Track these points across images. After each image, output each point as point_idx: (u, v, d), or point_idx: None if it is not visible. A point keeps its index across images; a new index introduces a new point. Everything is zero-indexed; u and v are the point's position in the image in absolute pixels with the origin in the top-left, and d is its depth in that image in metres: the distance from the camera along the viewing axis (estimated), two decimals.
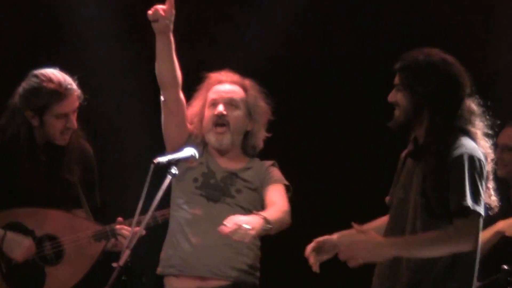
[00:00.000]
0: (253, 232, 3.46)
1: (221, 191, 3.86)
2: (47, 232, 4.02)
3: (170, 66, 3.79)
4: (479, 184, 3.37)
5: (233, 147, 3.93)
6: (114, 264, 3.19)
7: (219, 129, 3.86)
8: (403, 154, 3.65)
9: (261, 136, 3.99)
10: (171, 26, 3.70)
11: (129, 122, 5.42)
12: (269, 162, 4.01)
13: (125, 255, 3.20)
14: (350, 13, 5.54)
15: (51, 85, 3.97)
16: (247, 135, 3.97)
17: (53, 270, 4.01)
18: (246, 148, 3.99)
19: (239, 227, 3.41)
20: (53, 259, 4.01)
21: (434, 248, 3.30)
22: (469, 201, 3.28)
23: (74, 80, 4.06)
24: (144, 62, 4.82)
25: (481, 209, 3.33)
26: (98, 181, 4.26)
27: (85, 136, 4.27)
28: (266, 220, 3.56)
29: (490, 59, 5.19)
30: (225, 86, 3.93)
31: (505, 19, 5.20)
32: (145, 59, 4.55)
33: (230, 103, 3.88)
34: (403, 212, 3.48)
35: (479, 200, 3.33)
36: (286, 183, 3.93)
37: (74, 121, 4.04)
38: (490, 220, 4.15)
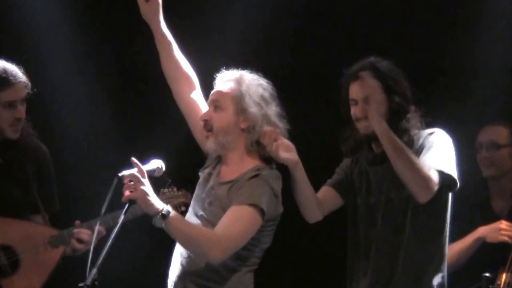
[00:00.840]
0: (134, 195, 3.22)
1: (201, 205, 3.63)
2: (0, 243, 3.84)
3: (165, 59, 3.76)
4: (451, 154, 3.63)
5: (228, 151, 3.62)
6: (81, 284, 3.00)
7: (206, 135, 3.62)
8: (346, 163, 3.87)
9: (262, 128, 3.58)
10: (158, 17, 3.72)
11: (87, 124, 5.24)
12: (251, 174, 3.58)
13: (92, 274, 3.00)
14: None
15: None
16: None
17: (9, 282, 3.81)
18: (251, 147, 3.62)
19: (135, 181, 3.22)
20: (9, 270, 3.83)
21: (408, 161, 3.49)
22: (442, 167, 3.54)
23: (20, 69, 3.89)
24: (105, 57, 4.73)
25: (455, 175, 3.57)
26: (55, 183, 4.10)
27: (38, 135, 4.08)
28: (165, 214, 3.27)
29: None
30: (216, 87, 3.70)
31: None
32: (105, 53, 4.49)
33: (215, 105, 3.62)
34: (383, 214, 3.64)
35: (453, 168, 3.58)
36: (254, 202, 3.45)
37: (23, 111, 3.85)
38: (471, 225, 4.27)
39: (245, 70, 3.74)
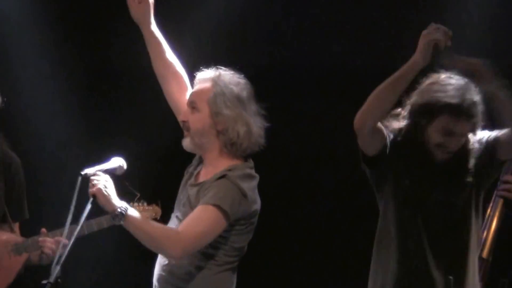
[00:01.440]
0: (93, 190, 3.35)
1: (178, 206, 3.71)
2: None
3: (155, 59, 3.83)
4: None
5: (204, 152, 3.67)
6: (44, 281, 3.14)
7: (185, 134, 3.68)
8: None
9: (237, 129, 3.60)
10: (149, 18, 3.81)
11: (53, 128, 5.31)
12: (219, 175, 3.62)
13: (55, 271, 3.16)
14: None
15: None
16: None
17: None
18: (225, 149, 3.63)
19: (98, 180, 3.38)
20: None
21: None
22: None
23: None
24: (73, 60, 4.70)
25: None
26: (25, 191, 4.20)
27: (9, 144, 4.12)
28: (122, 212, 3.38)
29: None
30: (194, 87, 3.74)
31: None
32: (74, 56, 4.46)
33: (192, 106, 3.65)
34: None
35: None
36: (217, 203, 3.53)
37: None
38: None
39: (224, 69, 3.73)
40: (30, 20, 5.33)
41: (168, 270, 3.65)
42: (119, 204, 3.41)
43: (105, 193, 3.38)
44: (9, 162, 4.23)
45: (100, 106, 5.47)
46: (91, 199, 3.36)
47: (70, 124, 5.35)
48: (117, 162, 3.53)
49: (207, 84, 3.62)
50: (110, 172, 3.50)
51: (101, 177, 3.41)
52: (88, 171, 3.39)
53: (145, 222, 3.56)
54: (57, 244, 3.88)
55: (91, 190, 3.38)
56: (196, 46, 5.19)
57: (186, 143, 3.64)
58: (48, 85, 5.22)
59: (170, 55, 3.87)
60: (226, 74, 3.69)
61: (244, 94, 3.66)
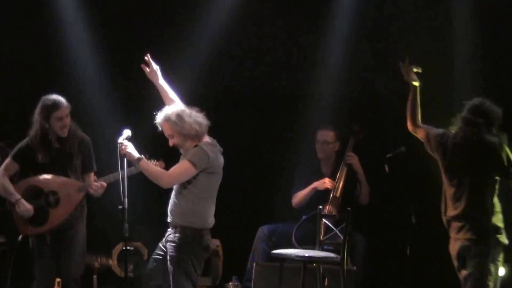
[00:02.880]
0: (122, 147, 5.76)
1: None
2: (51, 189, 6.43)
3: (164, 98, 6.12)
4: None
5: (185, 147, 5.86)
6: (120, 206, 5.76)
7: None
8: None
9: (188, 130, 5.83)
10: (157, 78, 6.10)
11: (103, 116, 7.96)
12: (193, 147, 5.90)
13: (125, 202, 5.76)
14: None
15: (49, 102, 6.37)
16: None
17: (53, 210, 6.41)
18: (191, 141, 5.91)
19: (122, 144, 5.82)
20: (54, 204, 6.41)
21: None
22: None
23: (63, 97, 6.46)
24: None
25: None
26: (93, 156, 6.66)
27: (80, 129, 6.64)
28: (138, 160, 5.80)
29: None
30: (162, 128, 6.04)
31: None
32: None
33: (168, 137, 5.89)
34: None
35: None
36: (189, 158, 5.77)
37: (67, 121, 6.38)
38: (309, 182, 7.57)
39: (165, 108, 5.93)
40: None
41: (171, 203, 5.92)
42: (137, 155, 5.83)
43: (129, 151, 5.82)
44: (83, 141, 6.58)
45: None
46: (124, 156, 5.84)
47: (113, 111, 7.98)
48: (128, 132, 5.91)
49: (165, 123, 5.86)
50: (128, 139, 5.91)
51: (126, 142, 5.84)
52: (119, 140, 5.83)
53: (150, 166, 5.93)
54: (100, 187, 6.43)
55: (122, 151, 5.81)
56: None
57: (181, 150, 5.90)
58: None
59: (172, 95, 6.16)
60: (167, 110, 5.89)
61: (179, 112, 5.83)
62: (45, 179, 6.49)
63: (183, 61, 7.91)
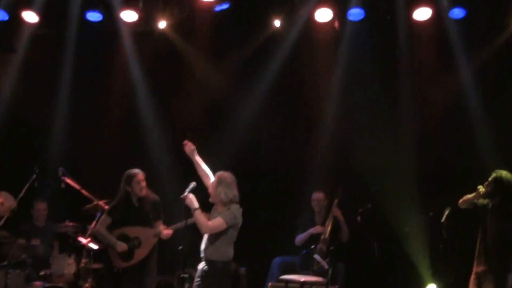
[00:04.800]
0: (187, 201, 7.39)
1: (211, 217, 7.65)
2: (135, 236, 8.55)
3: (199, 172, 7.77)
4: None
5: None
6: (180, 247, 7.66)
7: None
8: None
9: (222, 196, 7.50)
10: (194, 154, 7.75)
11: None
12: (226, 209, 7.53)
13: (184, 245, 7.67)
14: None
15: (131, 172, 8.57)
16: None
17: (137, 250, 8.51)
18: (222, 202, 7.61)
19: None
20: (137, 246, 8.52)
21: None
22: None
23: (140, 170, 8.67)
24: None
25: None
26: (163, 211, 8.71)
27: (152, 191, 8.72)
28: (195, 209, 7.36)
29: None
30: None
31: None
32: None
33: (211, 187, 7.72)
34: None
35: None
36: (222, 216, 7.36)
37: (144, 185, 8.57)
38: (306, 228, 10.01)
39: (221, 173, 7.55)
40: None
41: (205, 243, 7.45)
42: (195, 206, 7.35)
43: (190, 200, 7.36)
44: (155, 199, 8.55)
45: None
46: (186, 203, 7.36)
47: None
48: (193, 184, 7.49)
49: (214, 186, 7.51)
50: (192, 190, 7.45)
51: (189, 195, 7.39)
52: (185, 193, 7.39)
53: (200, 215, 7.37)
54: (169, 233, 8.43)
55: (186, 201, 7.35)
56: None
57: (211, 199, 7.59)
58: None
59: (205, 167, 7.69)
60: (220, 175, 7.53)
61: (227, 180, 7.50)
62: (130, 229, 8.58)
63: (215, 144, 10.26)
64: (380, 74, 10.31)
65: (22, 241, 9.42)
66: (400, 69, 10.22)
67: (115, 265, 8.64)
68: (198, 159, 7.87)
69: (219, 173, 7.71)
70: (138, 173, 8.64)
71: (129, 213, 8.67)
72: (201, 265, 7.63)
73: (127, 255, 8.54)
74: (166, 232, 8.64)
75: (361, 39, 10.14)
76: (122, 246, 8.45)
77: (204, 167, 7.82)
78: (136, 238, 8.55)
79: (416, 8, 9.78)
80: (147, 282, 8.58)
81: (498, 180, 7.77)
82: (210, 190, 7.66)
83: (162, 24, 10.40)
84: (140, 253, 8.54)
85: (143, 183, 8.63)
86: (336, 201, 9.95)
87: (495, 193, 7.77)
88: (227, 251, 7.62)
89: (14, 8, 9.98)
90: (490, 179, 7.84)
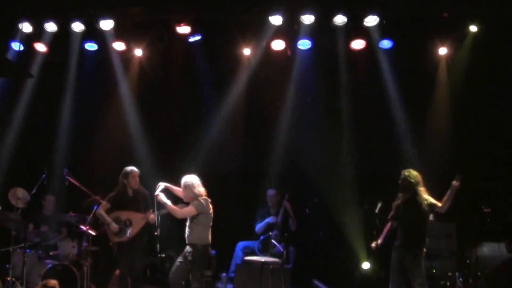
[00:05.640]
0: (158, 197, 9.54)
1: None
2: (128, 218, 10.07)
3: (176, 193, 9.93)
4: None
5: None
6: (156, 233, 9.89)
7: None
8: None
9: (189, 193, 9.60)
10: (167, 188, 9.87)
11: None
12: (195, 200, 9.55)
13: (158, 228, 9.85)
14: None
15: (128, 169, 10.19)
16: None
17: (128, 229, 9.98)
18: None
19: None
20: (129, 225, 10.02)
21: None
22: None
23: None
24: None
25: None
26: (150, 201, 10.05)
27: (142, 186, 10.36)
28: (165, 204, 9.44)
29: None
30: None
31: None
32: None
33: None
34: None
35: None
36: (193, 205, 9.33)
37: (137, 179, 10.21)
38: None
39: (185, 178, 9.59)
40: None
41: (186, 230, 9.41)
42: (165, 202, 9.37)
43: (161, 200, 9.40)
44: (145, 192, 10.10)
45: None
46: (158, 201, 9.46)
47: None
48: (160, 186, 9.54)
49: (183, 188, 9.49)
50: (161, 190, 9.49)
51: (159, 194, 9.40)
52: (156, 192, 9.43)
53: (170, 207, 9.33)
54: (153, 218, 9.70)
55: (158, 200, 9.43)
56: None
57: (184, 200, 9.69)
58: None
59: (176, 188, 9.55)
60: (185, 179, 9.48)
61: (188, 184, 9.44)
62: (125, 212, 10.08)
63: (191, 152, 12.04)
64: (324, 93, 12.00)
65: (31, 226, 11.07)
66: (340, 88, 11.92)
67: (111, 240, 10.12)
68: (170, 187, 9.81)
69: (183, 180, 9.61)
70: (134, 169, 10.28)
71: (124, 201, 10.22)
72: (186, 248, 9.31)
73: (120, 232, 10.08)
74: (152, 216, 10.14)
75: (309, 63, 11.79)
76: (114, 227, 10.06)
77: (176, 188, 9.76)
78: (128, 220, 10.11)
79: (353, 39, 11.49)
80: (137, 257, 10.06)
81: (406, 177, 9.39)
82: (181, 195, 9.66)
83: (138, 52, 11.99)
84: (130, 232, 10.13)
85: (137, 178, 10.29)
86: (286, 195, 11.66)
87: (406, 188, 9.35)
88: (204, 235, 9.38)
89: (28, 40, 11.64)
90: (401, 177, 9.38)
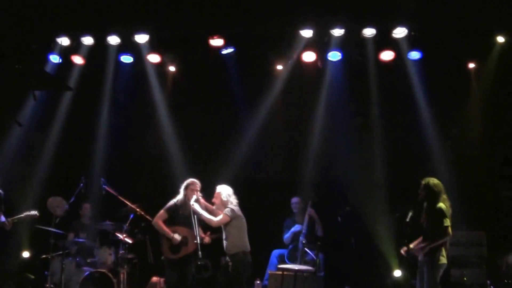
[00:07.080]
0: (193, 207, 9.58)
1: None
2: (184, 235, 9.70)
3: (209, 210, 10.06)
4: None
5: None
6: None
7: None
8: None
9: (221, 201, 9.69)
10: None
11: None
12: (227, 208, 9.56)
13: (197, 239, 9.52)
14: None
15: (189, 181, 9.93)
16: None
17: (184, 247, 9.64)
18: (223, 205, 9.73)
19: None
20: (185, 244, 9.67)
21: None
22: None
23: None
24: None
25: None
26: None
27: None
28: (200, 214, 9.49)
29: None
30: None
31: None
32: None
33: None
34: None
35: None
36: (225, 212, 9.38)
37: (196, 193, 9.87)
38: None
39: (221, 187, 9.75)
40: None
41: (224, 242, 9.42)
42: (200, 212, 9.39)
43: (196, 210, 9.35)
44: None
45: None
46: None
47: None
48: (195, 196, 9.62)
49: (217, 194, 9.61)
50: (195, 200, 9.51)
51: (194, 204, 9.39)
52: (191, 202, 9.51)
53: (206, 217, 9.33)
54: (208, 240, 9.88)
55: (193, 209, 9.46)
56: None
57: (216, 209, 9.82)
58: None
59: (210, 207, 9.84)
60: (220, 189, 9.62)
61: (221, 195, 9.58)
62: (181, 229, 9.70)
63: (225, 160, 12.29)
64: (355, 103, 12.14)
65: (72, 235, 11.34)
66: (371, 99, 12.00)
67: (164, 255, 9.87)
68: (200, 201, 9.77)
69: (217, 190, 9.70)
70: (195, 182, 9.87)
71: (182, 214, 9.84)
72: (226, 258, 9.34)
73: (175, 249, 9.78)
74: (207, 239, 10.14)
75: (340, 75, 11.95)
76: (176, 239, 9.67)
77: (204, 202, 9.81)
78: (184, 237, 9.80)
79: (382, 51, 11.61)
80: (187, 271, 9.81)
81: (427, 186, 9.24)
82: (215, 204, 9.70)
83: (172, 64, 12.28)
84: (185, 250, 9.84)
85: (196, 192, 9.78)
86: (309, 203, 11.66)
87: (426, 196, 9.19)
88: (241, 242, 9.37)
89: (66, 53, 11.89)
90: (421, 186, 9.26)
